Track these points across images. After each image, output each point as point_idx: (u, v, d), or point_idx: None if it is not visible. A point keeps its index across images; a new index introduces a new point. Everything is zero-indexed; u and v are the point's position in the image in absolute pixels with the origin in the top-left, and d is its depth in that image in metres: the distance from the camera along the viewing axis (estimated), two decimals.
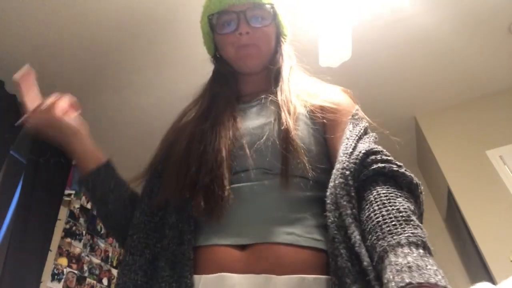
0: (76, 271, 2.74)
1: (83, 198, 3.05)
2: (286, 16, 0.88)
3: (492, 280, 2.38)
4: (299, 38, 2.79)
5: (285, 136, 0.68)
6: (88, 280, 2.84)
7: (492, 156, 2.73)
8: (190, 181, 0.67)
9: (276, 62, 0.84)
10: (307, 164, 0.67)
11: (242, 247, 0.63)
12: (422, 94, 3.02)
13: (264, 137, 0.70)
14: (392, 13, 2.35)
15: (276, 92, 0.78)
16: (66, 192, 2.79)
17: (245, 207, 0.67)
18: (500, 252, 2.36)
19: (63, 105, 0.80)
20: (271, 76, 0.84)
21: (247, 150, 0.68)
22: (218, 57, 0.89)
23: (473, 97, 3.07)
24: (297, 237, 0.64)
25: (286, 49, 0.89)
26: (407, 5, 2.30)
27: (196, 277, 0.61)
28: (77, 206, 2.94)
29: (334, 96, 0.81)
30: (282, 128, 0.69)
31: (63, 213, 2.77)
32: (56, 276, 2.56)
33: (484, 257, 2.40)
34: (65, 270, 2.65)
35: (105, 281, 3.02)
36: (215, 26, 0.82)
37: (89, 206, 3.10)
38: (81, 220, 2.95)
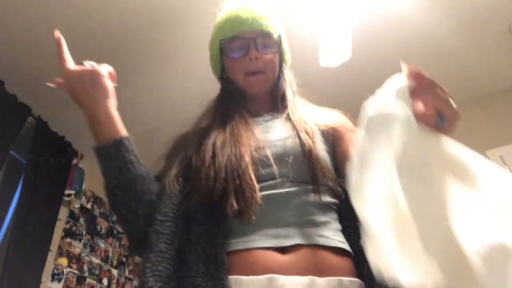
0: (76, 271, 2.74)
1: (83, 198, 3.05)
2: (288, 44, 0.98)
3: None
4: (299, 38, 2.82)
5: (309, 155, 0.75)
6: (88, 280, 2.84)
7: (492, 156, 2.73)
8: (219, 187, 0.69)
9: (280, 87, 0.92)
10: (330, 177, 0.76)
11: (282, 250, 0.66)
12: None
13: (289, 150, 0.76)
14: (392, 13, 2.35)
15: (287, 113, 0.86)
16: (66, 192, 2.79)
17: (277, 211, 0.70)
18: None
19: (105, 69, 0.84)
20: (276, 99, 0.91)
21: (273, 160, 0.73)
22: (224, 78, 0.95)
23: (473, 97, 3.07)
24: (327, 239, 0.69)
25: (288, 74, 0.96)
26: (407, 5, 2.30)
27: (242, 278, 0.63)
28: (77, 206, 2.94)
29: (339, 119, 0.91)
30: (306, 148, 0.76)
31: (63, 213, 2.77)
32: (56, 276, 2.56)
33: None
34: (65, 270, 2.65)
35: (105, 281, 3.02)
36: (226, 50, 0.89)
37: (89, 206, 3.10)
38: (81, 220, 2.95)
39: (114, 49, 2.35)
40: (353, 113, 2.83)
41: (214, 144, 0.77)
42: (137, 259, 3.60)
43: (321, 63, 2.01)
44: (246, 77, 0.86)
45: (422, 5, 2.32)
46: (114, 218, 3.42)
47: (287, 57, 0.98)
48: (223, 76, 0.95)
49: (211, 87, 3.28)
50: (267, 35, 0.87)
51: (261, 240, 0.66)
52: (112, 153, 0.73)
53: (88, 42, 2.27)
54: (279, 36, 0.90)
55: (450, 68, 2.80)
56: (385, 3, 2.27)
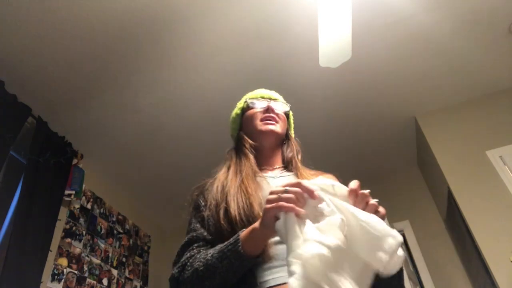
0: (76, 271, 2.74)
1: (83, 198, 3.05)
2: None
3: (492, 280, 2.38)
4: (300, 38, 2.80)
5: None
6: (88, 280, 2.84)
7: (492, 156, 2.73)
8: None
9: (288, 150, 1.13)
10: None
11: None
12: (422, 94, 3.02)
13: None
14: (392, 13, 2.35)
15: (297, 173, 1.04)
16: (66, 192, 2.79)
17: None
18: (500, 252, 2.36)
19: None
20: (284, 160, 1.12)
21: None
22: (240, 135, 1.14)
23: (473, 97, 3.08)
24: None
25: (296, 144, 1.17)
26: (407, 6, 2.30)
27: None
28: (77, 206, 2.94)
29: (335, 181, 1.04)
30: None
31: (63, 213, 2.77)
32: (56, 276, 2.56)
33: (484, 257, 2.40)
34: (65, 270, 2.65)
35: (105, 281, 3.02)
36: (249, 105, 1.16)
37: (89, 206, 3.10)
38: (81, 220, 2.95)
39: (114, 49, 2.35)
40: (352, 113, 2.86)
41: (227, 195, 0.91)
42: (137, 259, 3.59)
43: (321, 63, 2.01)
44: (262, 122, 1.10)
45: (422, 5, 2.32)
46: (114, 218, 3.42)
47: (292, 130, 1.23)
48: (240, 133, 1.15)
49: (211, 87, 3.30)
50: (280, 103, 1.18)
51: (285, 276, 0.76)
52: (251, 264, 0.78)
53: (88, 42, 2.27)
54: (290, 109, 1.21)
55: (450, 68, 2.80)
56: (385, 3, 2.27)
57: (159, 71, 2.56)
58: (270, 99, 1.17)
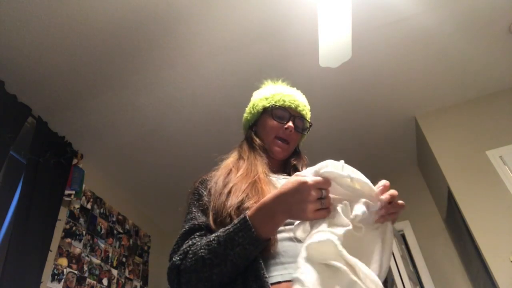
0: (76, 271, 2.74)
1: (83, 198, 3.05)
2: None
3: (492, 280, 2.38)
4: (300, 38, 2.80)
5: None
6: (88, 280, 2.84)
7: (492, 156, 2.73)
8: None
9: (296, 158, 1.15)
10: None
11: None
12: (422, 94, 3.02)
13: None
14: (392, 13, 2.35)
15: None
16: (66, 192, 2.79)
17: (295, 249, 0.80)
18: (500, 252, 2.36)
19: None
20: (290, 166, 1.13)
21: None
22: (253, 132, 1.15)
23: (473, 97, 3.08)
24: None
25: (304, 159, 1.18)
26: (408, 6, 2.30)
27: None
28: (77, 206, 2.94)
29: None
30: None
31: (63, 213, 2.77)
32: (56, 276, 2.56)
33: (484, 257, 2.40)
34: (65, 270, 2.65)
35: (105, 281, 3.02)
36: (270, 112, 1.12)
37: (89, 206, 3.10)
38: (81, 220, 2.95)
39: (114, 49, 2.35)
40: (352, 113, 2.86)
41: (233, 183, 0.91)
42: (137, 259, 3.59)
43: (321, 63, 2.01)
44: (276, 140, 1.09)
45: (422, 5, 2.32)
46: (114, 218, 3.42)
47: (303, 139, 1.23)
48: (253, 129, 1.16)
49: (211, 87, 3.30)
50: (303, 119, 1.15)
51: (292, 273, 0.77)
52: (264, 247, 0.78)
53: (88, 42, 2.27)
54: (310, 125, 1.18)
55: (450, 68, 2.80)
56: (385, 3, 2.27)
57: (159, 71, 2.56)
58: (296, 114, 1.12)
